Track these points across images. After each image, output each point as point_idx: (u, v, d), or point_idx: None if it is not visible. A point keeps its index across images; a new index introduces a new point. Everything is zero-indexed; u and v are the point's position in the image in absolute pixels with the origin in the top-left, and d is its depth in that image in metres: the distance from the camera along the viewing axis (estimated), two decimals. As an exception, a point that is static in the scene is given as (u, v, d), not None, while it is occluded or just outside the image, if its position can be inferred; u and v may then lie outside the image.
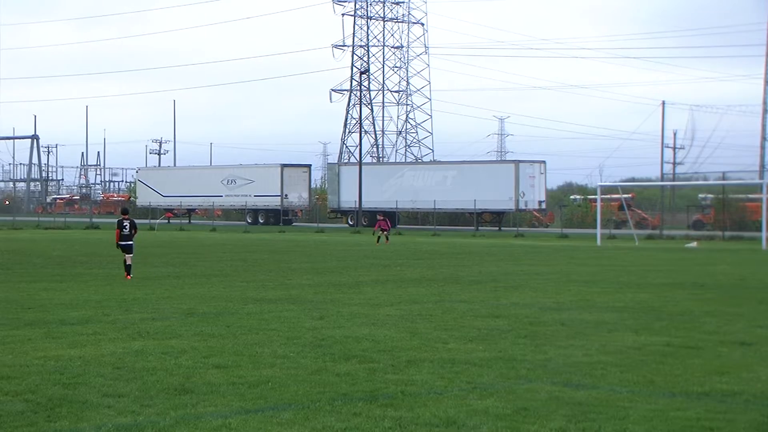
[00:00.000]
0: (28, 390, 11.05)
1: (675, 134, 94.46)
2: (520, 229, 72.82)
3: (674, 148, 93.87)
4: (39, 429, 9.39)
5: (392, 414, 10.08)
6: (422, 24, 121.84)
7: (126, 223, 27.46)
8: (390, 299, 21.76)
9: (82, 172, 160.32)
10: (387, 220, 54.65)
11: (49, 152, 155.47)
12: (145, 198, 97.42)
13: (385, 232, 52.29)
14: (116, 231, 27.62)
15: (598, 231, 58.56)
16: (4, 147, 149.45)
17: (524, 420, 9.89)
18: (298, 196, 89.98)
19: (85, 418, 9.80)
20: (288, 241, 55.64)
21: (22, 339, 14.96)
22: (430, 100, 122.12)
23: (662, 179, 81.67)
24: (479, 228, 78.80)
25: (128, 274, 26.71)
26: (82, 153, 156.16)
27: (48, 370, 12.31)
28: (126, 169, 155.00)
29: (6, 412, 9.99)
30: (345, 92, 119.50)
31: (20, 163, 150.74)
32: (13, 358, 13.15)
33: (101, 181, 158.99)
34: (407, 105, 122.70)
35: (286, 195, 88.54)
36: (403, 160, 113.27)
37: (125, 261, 26.97)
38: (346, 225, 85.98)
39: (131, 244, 27.31)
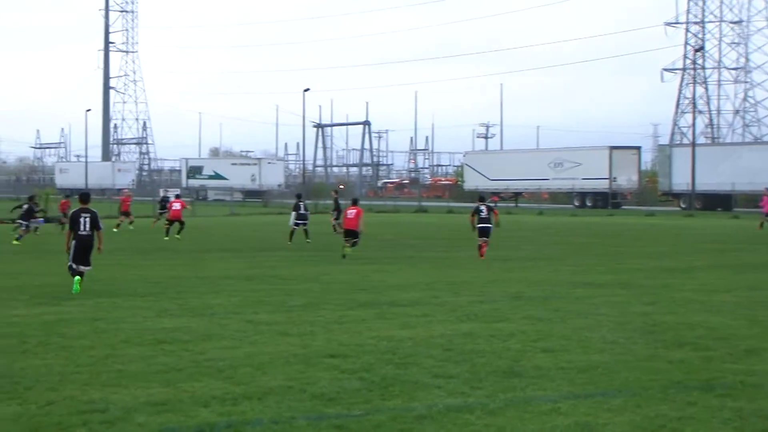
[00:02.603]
0: (363, 368, 11.38)
1: None
2: None
3: None
4: (374, 406, 9.63)
5: (731, 405, 9.55)
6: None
7: (482, 208, 28.68)
8: (726, 285, 20.80)
9: (411, 157, 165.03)
10: None
11: (379, 137, 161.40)
12: (471, 182, 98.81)
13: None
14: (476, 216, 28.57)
15: None
16: (338, 133, 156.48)
17: None
18: (627, 179, 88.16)
19: (417, 398, 9.95)
20: (616, 225, 54.61)
21: (357, 319, 15.47)
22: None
23: None
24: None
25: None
26: (411, 138, 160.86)
27: (381, 349, 12.64)
28: (453, 153, 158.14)
29: (343, 388, 10.33)
30: (677, 71, 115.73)
31: (353, 149, 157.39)
32: (349, 338, 13.61)
33: (429, 165, 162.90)
34: (746, 83, 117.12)
35: (614, 178, 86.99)
36: (741, 141, 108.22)
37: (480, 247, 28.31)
38: (678, 208, 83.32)
39: (489, 227, 28.44)
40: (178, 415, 9.19)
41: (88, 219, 19.26)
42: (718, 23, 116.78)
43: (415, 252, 31.89)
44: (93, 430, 8.72)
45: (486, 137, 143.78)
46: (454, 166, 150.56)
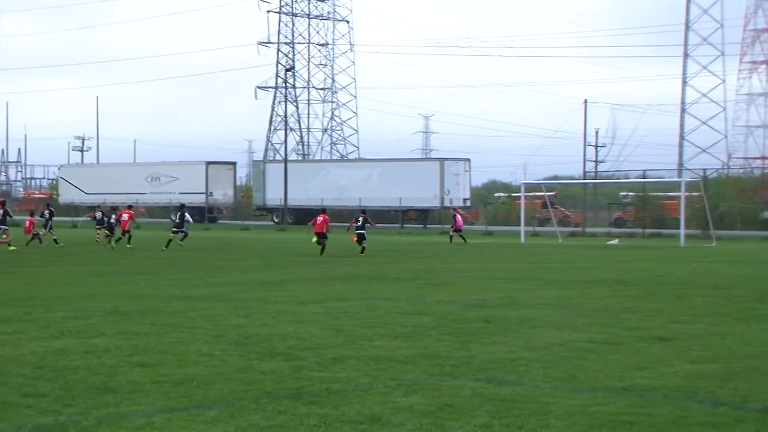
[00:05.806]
0: (-54, 391, 10.86)
1: (597, 133, 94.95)
2: (444, 226, 73.12)
3: (596, 147, 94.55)
4: (-42, 430, 9.25)
5: (317, 411, 10.08)
6: (347, 21, 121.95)
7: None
8: (315, 297, 21.74)
9: (3, 170, 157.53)
10: (461, 216, 53.61)
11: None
12: (68, 195, 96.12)
13: (457, 231, 51.47)
14: None
15: (522, 228, 59.18)
16: None
17: (448, 416, 9.96)
18: (223, 194, 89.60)
19: (5, 419, 9.65)
20: (213, 239, 55.30)
21: (-60, 339, 14.68)
22: (356, 97, 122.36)
23: (585, 177, 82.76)
24: (404, 225, 79.07)
25: None
26: (2, 150, 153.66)
27: (-33, 370, 12.10)
28: (48, 166, 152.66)
29: (-76, 413, 9.82)
30: (270, 89, 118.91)
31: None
32: (-69, 359, 12.90)
33: (22, 178, 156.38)
34: (333, 102, 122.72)
35: (210, 192, 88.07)
36: (329, 158, 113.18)
37: None
38: (272, 223, 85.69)
39: None
40: None
41: None
42: (306, 45, 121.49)
43: (9, 267, 30.57)
44: None
45: (82, 150, 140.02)
46: (49, 179, 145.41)
